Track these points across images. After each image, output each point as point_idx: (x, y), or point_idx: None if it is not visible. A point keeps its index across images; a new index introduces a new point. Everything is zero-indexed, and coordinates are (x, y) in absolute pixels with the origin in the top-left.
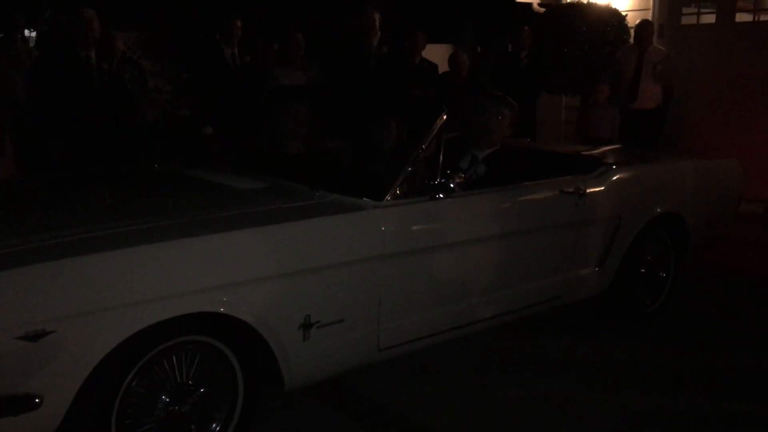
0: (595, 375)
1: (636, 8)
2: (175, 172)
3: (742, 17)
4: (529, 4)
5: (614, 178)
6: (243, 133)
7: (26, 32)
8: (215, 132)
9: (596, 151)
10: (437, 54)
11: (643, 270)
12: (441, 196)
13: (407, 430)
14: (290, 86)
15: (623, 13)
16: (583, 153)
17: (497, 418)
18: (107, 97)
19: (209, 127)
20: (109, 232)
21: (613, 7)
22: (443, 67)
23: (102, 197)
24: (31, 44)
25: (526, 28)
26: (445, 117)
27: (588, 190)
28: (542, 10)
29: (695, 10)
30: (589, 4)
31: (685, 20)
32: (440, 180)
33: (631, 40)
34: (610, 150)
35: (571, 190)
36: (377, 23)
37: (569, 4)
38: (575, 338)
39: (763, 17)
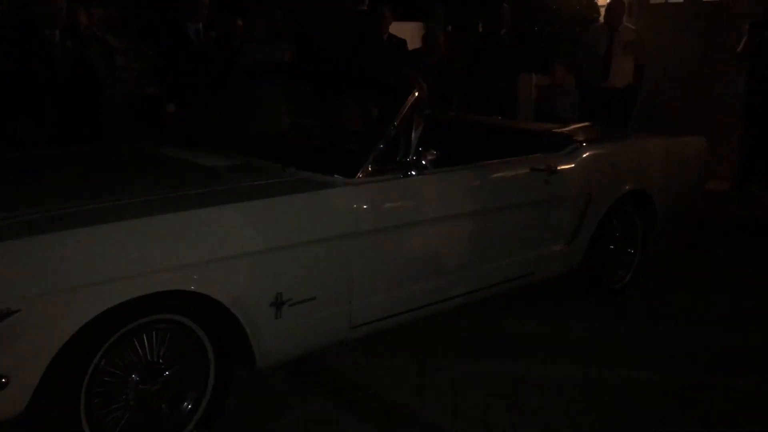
0: (565, 350)
1: None
2: (144, 151)
3: None
4: None
5: (584, 155)
6: (211, 111)
7: None
8: (178, 110)
9: (566, 129)
10: (407, 32)
11: (612, 246)
12: (413, 173)
13: (384, 407)
14: (260, 63)
15: None
16: (553, 131)
17: (472, 394)
18: (72, 76)
19: (172, 105)
20: (77, 210)
21: None
22: (412, 45)
23: (69, 176)
24: None
25: (505, 5)
26: (417, 94)
27: (558, 168)
28: None
29: None
30: None
31: None
32: (412, 157)
33: (602, 19)
34: (579, 128)
35: (542, 167)
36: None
37: None
38: (546, 314)
39: None
